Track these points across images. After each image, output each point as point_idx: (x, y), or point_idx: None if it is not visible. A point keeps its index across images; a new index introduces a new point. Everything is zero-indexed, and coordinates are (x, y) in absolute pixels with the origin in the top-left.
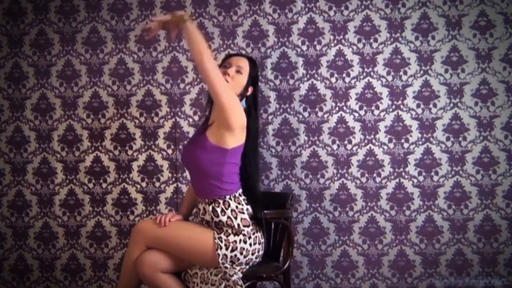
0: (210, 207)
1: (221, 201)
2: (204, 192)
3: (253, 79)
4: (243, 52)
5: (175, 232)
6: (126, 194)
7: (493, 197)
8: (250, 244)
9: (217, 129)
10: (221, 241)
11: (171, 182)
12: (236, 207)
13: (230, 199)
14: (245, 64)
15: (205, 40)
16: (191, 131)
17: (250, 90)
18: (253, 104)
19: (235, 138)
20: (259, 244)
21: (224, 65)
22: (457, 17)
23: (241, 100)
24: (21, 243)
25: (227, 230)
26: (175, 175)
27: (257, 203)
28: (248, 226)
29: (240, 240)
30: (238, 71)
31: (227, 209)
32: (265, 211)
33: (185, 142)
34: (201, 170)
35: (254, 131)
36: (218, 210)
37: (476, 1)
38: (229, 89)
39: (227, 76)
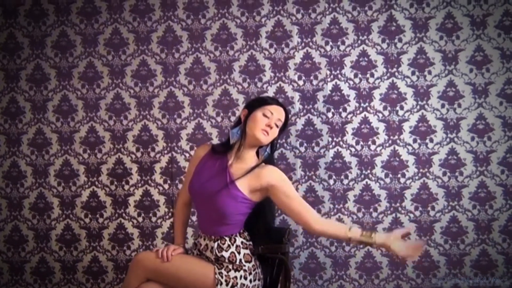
0: (216, 244)
1: (227, 239)
2: (213, 231)
3: (287, 124)
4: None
5: (176, 265)
6: (122, 229)
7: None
8: (250, 281)
9: (255, 185)
10: (222, 277)
11: (167, 217)
12: (242, 242)
13: (237, 236)
14: (283, 117)
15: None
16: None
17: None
18: (274, 148)
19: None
20: (259, 280)
21: (264, 113)
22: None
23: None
24: (18, 278)
25: (227, 266)
26: (171, 210)
27: (261, 238)
28: (249, 262)
29: (241, 276)
30: (276, 125)
31: (232, 245)
32: (261, 246)
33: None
34: (221, 214)
35: None
36: (224, 246)
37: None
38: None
39: (269, 128)
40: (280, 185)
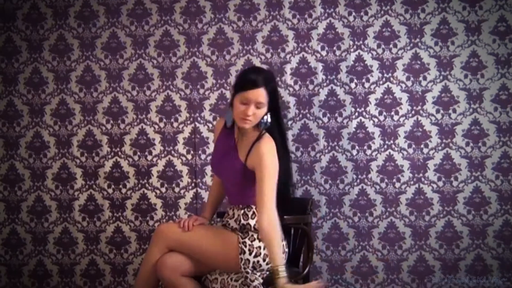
0: (242, 211)
1: (254, 206)
2: (239, 200)
3: (277, 97)
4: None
5: (198, 235)
6: (145, 199)
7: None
8: None
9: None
10: (245, 246)
11: (190, 187)
12: None
13: None
14: (263, 97)
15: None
16: (210, 136)
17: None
18: (274, 112)
19: None
20: (283, 253)
21: (242, 101)
22: (476, 23)
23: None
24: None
25: (252, 235)
26: (194, 180)
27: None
28: None
29: (265, 247)
30: (258, 107)
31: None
32: (285, 217)
33: (208, 152)
34: (240, 188)
35: (279, 139)
36: (249, 213)
37: (495, 6)
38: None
39: (248, 118)
40: (257, 164)
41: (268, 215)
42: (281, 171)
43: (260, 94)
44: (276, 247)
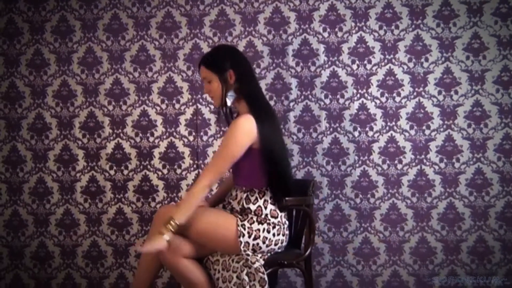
0: (245, 194)
1: (257, 190)
2: (242, 182)
3: (220, 70)
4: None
5: (198, 218)
6: (147, 181)
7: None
8: (274, 234)
9: None
10: (244, 228)
11: (192, 169)
12: (270, 197)
13: (267, 189)
14: (204, 72)
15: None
16: (212, 118)
17: (231, 77)
18: (244, 79)
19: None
20: (283, 235)
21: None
22: (478, 4)
23: (229, 93)
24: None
25: (251, 218)
26: (196, 162)
27: (284, 189)
28: (275, 217)
29: (264, 229)
30: (207, 82)
31: (261, 198)
32: (286, 198)
33: (210, 133)
34: (244, 169)
35: (256, 105)
36: (252, 198)
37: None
38: (219, 166)
39: (208, 93)
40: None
41: (199, 188)
42: (267, 140)
43: (201, 71)
44: (184, 208)
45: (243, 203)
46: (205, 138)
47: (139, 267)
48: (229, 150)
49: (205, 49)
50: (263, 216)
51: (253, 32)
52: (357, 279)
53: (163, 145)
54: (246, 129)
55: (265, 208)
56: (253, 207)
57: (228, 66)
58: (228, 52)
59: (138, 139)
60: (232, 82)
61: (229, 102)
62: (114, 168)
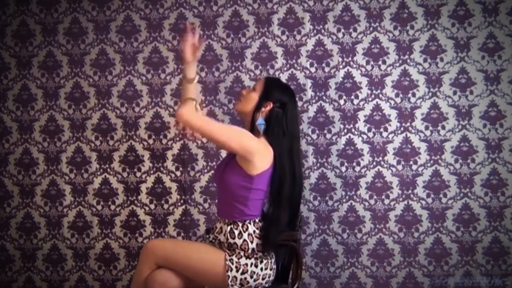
0: (228, 227)
1: (240, 224)
2: (226, 212)
3: (268, 95)
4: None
5: (186, 251)
6: (134, 216)
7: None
8: (261, 269)
9: (239, 157)
10: (232, 263)
11: (179, 204)
12: (254, 231)
13: (250, 223)
14: (260, 84)
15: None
16: (199, 153)
17: (268, 106)
18: (276, 122)
19: (256, 166)
20: (270, 270)
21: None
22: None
23: (257, 116)
24: (30, 265)
25: (239, 253)
26: (183, 197)
27: (280, 231)
28: (262, 252)
29: (252, 264)
30: (253, 89)
31: (244, 232)
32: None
33: (197, 169)
34: (229, 192)
35: (280, 149)
36: (236, 232)
37: (484, 23)
38: (225, 128)
39: (242, 96)
40: None
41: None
42: (284, 180)
43: (259, 81)
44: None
45: (228, 237)
46: (192, 173)
47: None
48: (235, 129)
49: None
50: (249, 251)
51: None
52: None
53: (150, 180)
54: (254, 140)
55: (251, 242)
56: (239, 242)
57: (275, 98)
58: (287, 91)
59: (125, 175)
60: (264, 109)
61: (258, 125)
62: (101, 203)
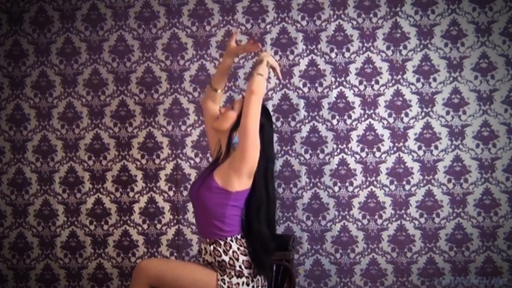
0: (211, 247)
1: (222, 243)
2: (205, 231)
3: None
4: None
5: (179, 271)
6: (127, 236)
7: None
8: (253, 287)
9: (226, 170)
10: (224, 283)
11: (172, 224)
12: (238, 249)
13: (232, 240)
14: (239, 102)
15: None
16: (192, 173)
17: None
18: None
19: (241, 183)
20: (262, 287)
21: None
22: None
23: (234, 135)
24: (22, 285)
25: (230, 272)
26: (176, 217)
27: (268, 248)
28: (249, 268)
29: (243, 283)
30: (231, 107)
31: (228, 250)
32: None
33: (191, 181)
34: (205, 209)
35: (262, 171)
36: (220, 249)
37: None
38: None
39: (220, 113)
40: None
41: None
42: (261, 203)
43: (238, 100)
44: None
45: (214, 256)
46: (185, 193)
47: None
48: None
49: (185, 104)
50: (237, 269)
51: (233, 87)
52: None
53: (143, 200)
54: (257, 154)
55: (237, 260)
56: (226, 258)
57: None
58: (265, 113)
59: (118, 194)
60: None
61: (234, 143)
62: (94, 223)
